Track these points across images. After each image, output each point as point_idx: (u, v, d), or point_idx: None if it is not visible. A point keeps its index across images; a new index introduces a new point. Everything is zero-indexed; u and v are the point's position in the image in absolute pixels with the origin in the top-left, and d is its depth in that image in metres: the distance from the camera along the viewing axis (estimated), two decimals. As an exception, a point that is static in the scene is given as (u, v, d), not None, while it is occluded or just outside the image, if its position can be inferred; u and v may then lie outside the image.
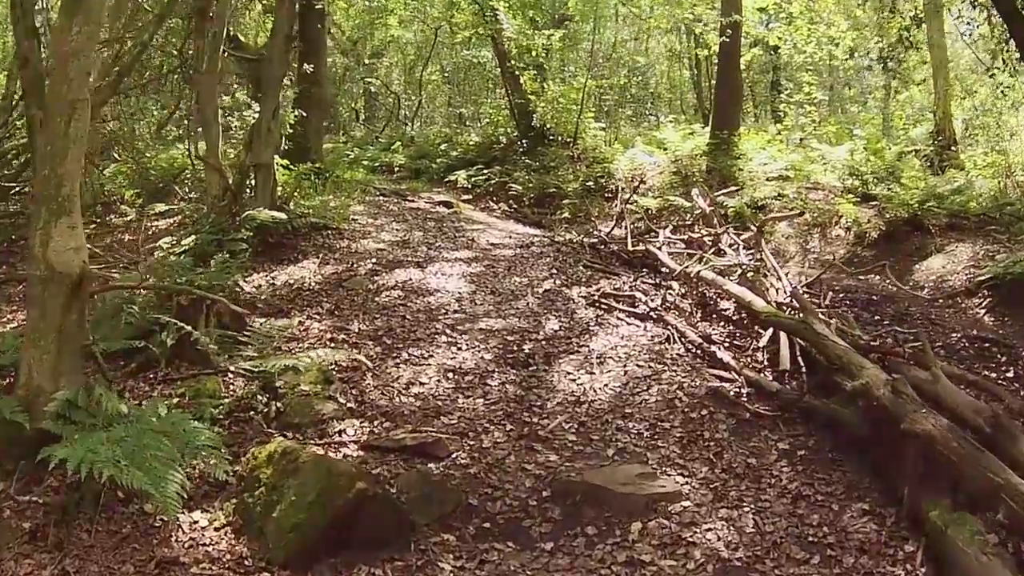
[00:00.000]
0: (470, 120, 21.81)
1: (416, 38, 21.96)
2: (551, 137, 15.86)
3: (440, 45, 21.69)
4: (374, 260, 9.22)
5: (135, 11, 11.70)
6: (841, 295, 9.32)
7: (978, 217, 10.84)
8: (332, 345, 6.89)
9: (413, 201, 13.09)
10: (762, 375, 6.25)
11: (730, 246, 8.55)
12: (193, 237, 9.76)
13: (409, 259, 9.30)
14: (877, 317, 8.61)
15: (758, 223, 8.18)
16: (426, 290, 8.23)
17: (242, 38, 14.01)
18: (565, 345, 6.89)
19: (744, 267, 7.44)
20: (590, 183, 14.08)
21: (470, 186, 15.34)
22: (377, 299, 8.01)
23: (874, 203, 12.01)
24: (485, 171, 15.64)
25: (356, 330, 7.22)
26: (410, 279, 8.56)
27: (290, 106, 12.22)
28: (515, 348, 6.82)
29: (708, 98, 22.34)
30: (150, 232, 11.95)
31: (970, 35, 20.69)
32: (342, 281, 8.60)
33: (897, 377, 4.93)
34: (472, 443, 5.33)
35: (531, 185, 14.44)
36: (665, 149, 14.70)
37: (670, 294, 8.16)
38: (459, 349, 6.79)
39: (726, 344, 6.97)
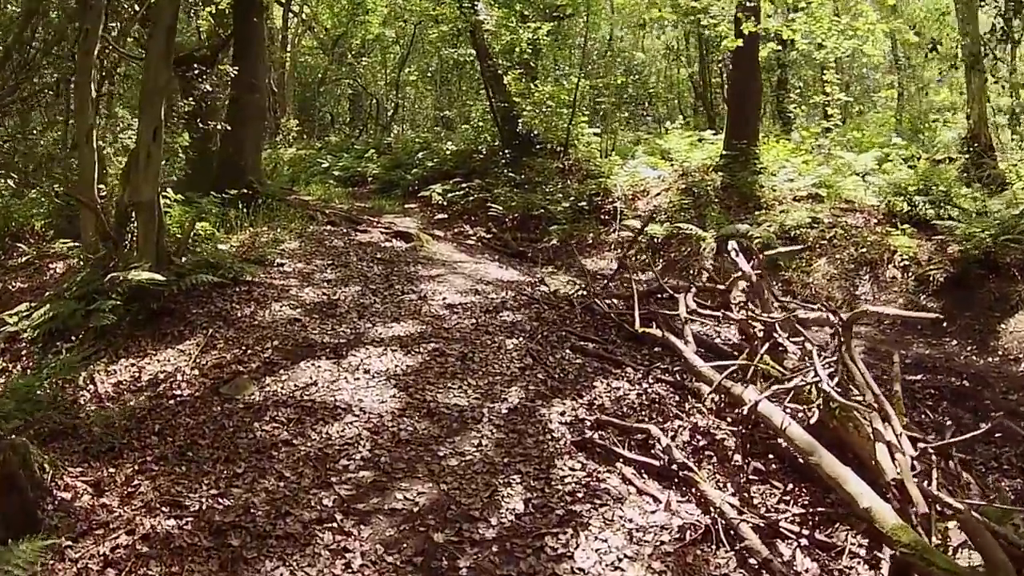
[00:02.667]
0: (459, 123, 18.30)
1: (397, 36, 18.38)
2: (539, 146, 12.41)
3: (425, 44, 18.13)
4: (278, 341, 5.91)
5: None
6: (919, 378, 6.16)
7: (1058, 252, 7.78)
8: (146, 549, 3.63)
9: (367, 231, 9.63)
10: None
11: (787, 333, 5.12)
12: (48, 306, 6.52)
13: (327, 339, 5.98)
14: (981, 422, 5.46)
15: (847, 316, 4.41)
16: (332, 409, 4.91)
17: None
18: (533, 558, 3.57)
19: (823, 390, 4.06)
20: (583, 203, 10.73)
21: (445, 203, 11.97)
22: (255, 428, 4.71)
23: (933, 234, 8.69)
24: (463, 185, 12.22)
25: (196, 508, 3.94)
26: (316, 382, 5.25)
27: (178, 126, 8.76)
28: (445, 564, 3.52)
29: (709, 96, 18.83)
30: (46, 276, 8.74)
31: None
32: (220, 383, 5.31)
33: None
34: None
35: (514, 204, 11.07)
36: (671, 160, 11.32)
37: (700, 411, 4.86)
38: (347, 567, 3.50)
39: (804, 541, 3.68)
